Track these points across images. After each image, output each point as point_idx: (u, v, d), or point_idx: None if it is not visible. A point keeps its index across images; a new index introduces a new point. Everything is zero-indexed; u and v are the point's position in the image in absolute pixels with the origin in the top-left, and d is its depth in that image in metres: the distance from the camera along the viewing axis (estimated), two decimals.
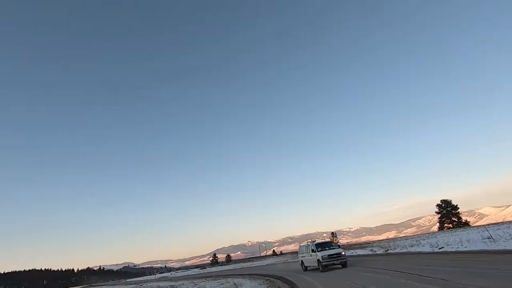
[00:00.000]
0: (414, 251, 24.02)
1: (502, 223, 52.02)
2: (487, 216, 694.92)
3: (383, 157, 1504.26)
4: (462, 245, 19.96)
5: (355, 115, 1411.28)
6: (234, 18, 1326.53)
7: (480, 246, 17.45)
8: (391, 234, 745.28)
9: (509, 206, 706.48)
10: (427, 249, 23.10)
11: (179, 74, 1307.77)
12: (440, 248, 21.44)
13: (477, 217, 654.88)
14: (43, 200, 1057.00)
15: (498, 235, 21.32)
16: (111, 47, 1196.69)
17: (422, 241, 32.24)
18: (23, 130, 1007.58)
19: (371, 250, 33.60)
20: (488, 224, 56.15)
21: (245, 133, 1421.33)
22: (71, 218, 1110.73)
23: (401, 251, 26.48)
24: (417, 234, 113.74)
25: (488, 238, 21.19)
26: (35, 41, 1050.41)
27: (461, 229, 51.66)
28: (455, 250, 18.52)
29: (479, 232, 30.12)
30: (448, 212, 74.96)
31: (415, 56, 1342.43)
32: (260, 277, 24.12)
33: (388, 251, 28.78)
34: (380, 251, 30.94)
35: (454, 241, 23.78)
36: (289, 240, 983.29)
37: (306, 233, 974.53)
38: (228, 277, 30.55)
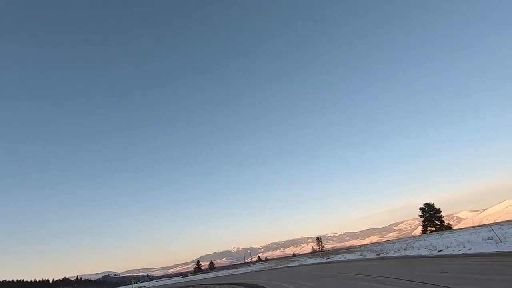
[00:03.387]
0: (410, 254, 21.97)
1: (488, 225, 51.54)
2: (465, 219, 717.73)
3: (364, 163, 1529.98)
4: (464, 247, 18.01)
5: (336, 122, 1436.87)
6: (233, 18, 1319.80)
7: (487, 248, 15.49)
8: (374, 239, 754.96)
9: (485, 209, 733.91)
10: (424, 252, 21.09)
11: (178, 74, 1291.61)
12: (439, 251, 19.46)
13: (455, 221, 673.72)
14: (15, 205, 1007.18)
15: (501, 234, 19.57)
16: (110, 47, 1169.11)
17: (414, 244, 30.37)
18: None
19: (361, 255, 31.48)
20: (474, 226, 55.69)
21: (227, 139, 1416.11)
22: (46, 225, 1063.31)
23: (395, 255, 24.42)
24: (401, 238, 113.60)
25: (489, 239, 19.48)
26: (33, 41, 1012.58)
27: (447, 232, 50.66)
28: (462, 253, 16.42)
29: (471, 234, 28.64)
30: (431, 216, 74.96)
31: (406, 57, 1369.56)
32: (241, 287, 21.49)
33: (380, 255, 26.69)
34: (371, 255, 28.85)
35: (451, 243, 21.91)
36: (275, 245, 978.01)
37: (291, 238, 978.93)
38: (207, 287, 27.84)
